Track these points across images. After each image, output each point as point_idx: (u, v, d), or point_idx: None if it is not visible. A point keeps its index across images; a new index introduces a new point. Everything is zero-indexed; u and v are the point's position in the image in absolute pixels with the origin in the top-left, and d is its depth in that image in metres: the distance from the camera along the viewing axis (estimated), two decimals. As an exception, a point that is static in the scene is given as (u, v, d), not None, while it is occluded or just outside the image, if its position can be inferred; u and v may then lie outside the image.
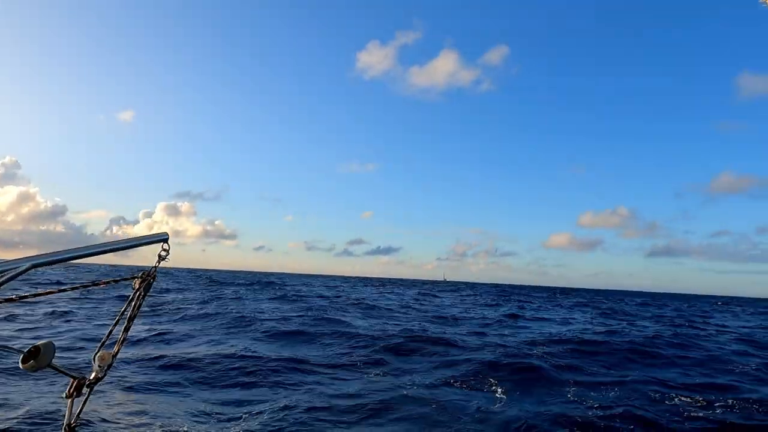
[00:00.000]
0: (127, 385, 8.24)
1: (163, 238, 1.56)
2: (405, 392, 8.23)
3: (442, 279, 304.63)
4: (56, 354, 1.25)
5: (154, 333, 13.52)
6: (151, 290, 1.58)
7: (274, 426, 6.41)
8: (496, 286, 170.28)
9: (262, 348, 11.96)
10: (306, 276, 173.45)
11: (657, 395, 8.77)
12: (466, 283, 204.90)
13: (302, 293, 36.59)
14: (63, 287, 1.49)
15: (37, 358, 1.22)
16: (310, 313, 20.21)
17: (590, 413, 7.43)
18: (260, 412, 6.95)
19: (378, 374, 9.80)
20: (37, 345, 1.23)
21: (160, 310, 19.94)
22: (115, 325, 1.52)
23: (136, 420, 6.50)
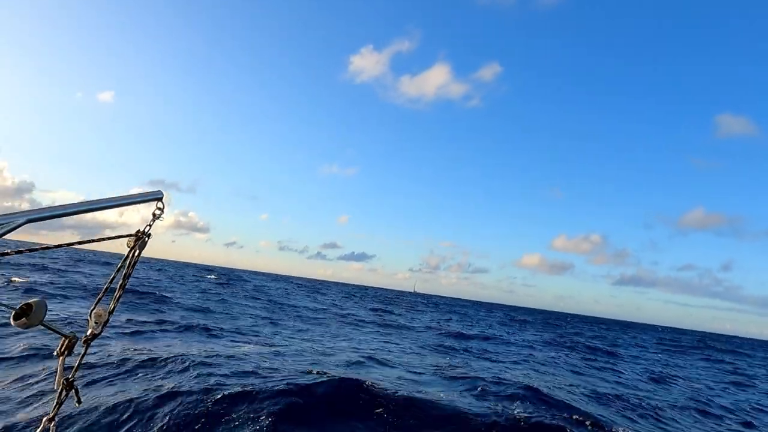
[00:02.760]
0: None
1: (157, 197, 1.57)
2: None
3: (413, 290, 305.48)
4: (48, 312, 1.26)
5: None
6: None
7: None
8: (466, 302, 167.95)
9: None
10: (263, 275, 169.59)
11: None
12: (432, 297, 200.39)
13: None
14: (59, 243, 1.48)
15: (29, 316, 1.22)
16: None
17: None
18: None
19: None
20: (29, 302, 1.23)
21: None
22: (110, 282, 1.54)
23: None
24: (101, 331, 1.49)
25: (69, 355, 1.41)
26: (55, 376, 1.42)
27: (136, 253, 1.57)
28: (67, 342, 1.40)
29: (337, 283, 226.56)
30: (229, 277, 62.50)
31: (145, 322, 13.22)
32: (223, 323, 15.60)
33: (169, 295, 22.16)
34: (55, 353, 1.40)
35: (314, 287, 76.64)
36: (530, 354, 17.96)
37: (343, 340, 15.62)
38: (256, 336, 13.72)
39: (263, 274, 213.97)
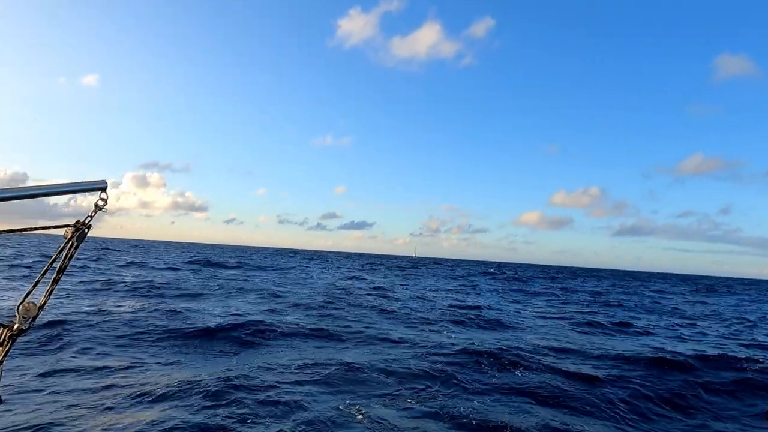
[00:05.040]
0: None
1: (101, 186, 1.46)
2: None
3: (413, 254, 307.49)
4: None
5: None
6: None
7: None
8: (460, 262, 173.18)
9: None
10: (264, 250, 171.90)
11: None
12: (431, 260, 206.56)
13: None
14: None
15: None
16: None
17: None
18: None
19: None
20: None
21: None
22: (42, 275, 1.46)
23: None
24: (29, 327, 1.39)
25: None
26: None
27: (74, 246, 1.45)
28: None
29: (340, 253, 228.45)
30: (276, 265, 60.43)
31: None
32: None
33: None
34: None
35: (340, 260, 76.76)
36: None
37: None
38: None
39: (264, 249, 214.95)
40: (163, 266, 32.07)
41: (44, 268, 1.45)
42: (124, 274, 23.83)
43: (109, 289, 17.16)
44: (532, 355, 9.70)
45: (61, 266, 1.45)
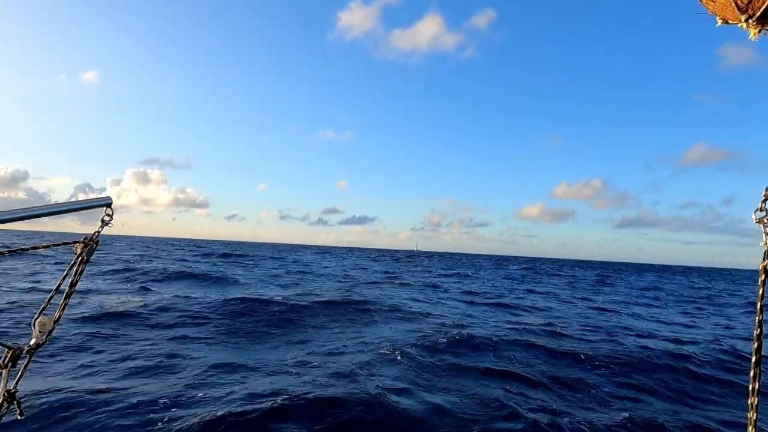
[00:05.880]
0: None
1: (106, 203, 1.54)
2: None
3: (415, 248, 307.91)
4: None
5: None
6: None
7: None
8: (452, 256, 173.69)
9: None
10: (262, 246, 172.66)
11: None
12: (436, 254, 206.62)
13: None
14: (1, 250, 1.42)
15: None
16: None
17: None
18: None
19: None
20: None
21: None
22: (56, 291, 1.48)
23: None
24: (45, 341, 1.44)
25: (13, 367, 1.37)
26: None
27: (84, 261, 1.53)
28: (10, 354, 1.35)
29: (345, 248, 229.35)
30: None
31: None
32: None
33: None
34: None
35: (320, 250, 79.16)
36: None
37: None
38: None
39: (269, 245, 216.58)
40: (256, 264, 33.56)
41: (57, 284, 1.49)
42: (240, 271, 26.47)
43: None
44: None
45: (72, 281, 1.52)
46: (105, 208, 1.54)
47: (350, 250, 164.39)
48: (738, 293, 32.50)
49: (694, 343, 10.93)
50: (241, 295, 13.98)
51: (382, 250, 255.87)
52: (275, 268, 30.18)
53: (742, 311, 19.86)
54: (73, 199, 1.53)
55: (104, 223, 1.55)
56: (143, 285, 17.00)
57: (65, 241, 1.55)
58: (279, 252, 72.00)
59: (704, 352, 9.67)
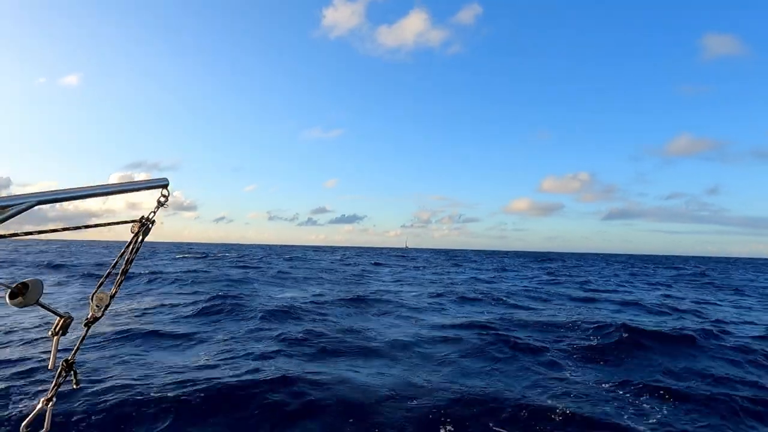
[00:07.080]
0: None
1: (163, 184, 1.58)
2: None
3: (404, 246, 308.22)
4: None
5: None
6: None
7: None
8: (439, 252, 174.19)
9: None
10: (260, 247, 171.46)
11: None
12: (422, 251, 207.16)
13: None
14: (65, 227, 1.50)
15: (25, 295, 1.23)
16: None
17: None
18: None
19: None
20: (26, 281, 1.24)
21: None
22: (113, 267, 1.57)
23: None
24: (102, 314, 1.51)
25: (63, 335, 1.41)
26: (50, 356, 1.40)
27: (140, 239, 1.58)
28: (62, 322, 1.40)
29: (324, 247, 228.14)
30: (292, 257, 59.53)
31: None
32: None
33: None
34: (49, 333, 1.40)
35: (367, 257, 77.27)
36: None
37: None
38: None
39: (260, 246, 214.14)
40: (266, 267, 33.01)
41: (114, 261, 1.57)
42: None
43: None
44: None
45: (129, 258, 1.59)
46: (161, 189, 1.57)
47: (349, 249, 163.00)
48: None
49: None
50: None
51: (375, 248, 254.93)
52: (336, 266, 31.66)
53: None
54: (135, 179, 1.58)
55: (160, 204, 1.58)
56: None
57: (123, 220, 1.59)
58: (292, 253, 72.54)
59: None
